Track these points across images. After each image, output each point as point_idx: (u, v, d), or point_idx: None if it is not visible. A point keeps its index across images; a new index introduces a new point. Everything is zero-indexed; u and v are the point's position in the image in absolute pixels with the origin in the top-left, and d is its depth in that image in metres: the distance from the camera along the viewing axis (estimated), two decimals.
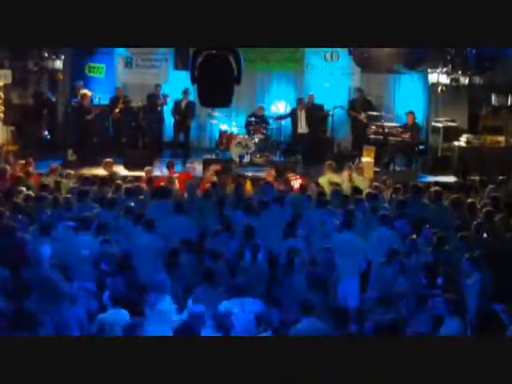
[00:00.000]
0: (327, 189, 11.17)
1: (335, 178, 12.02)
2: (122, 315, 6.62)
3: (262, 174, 13.34)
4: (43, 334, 6.23)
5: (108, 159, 12.97)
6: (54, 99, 15.57)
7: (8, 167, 11.89)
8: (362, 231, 9.02)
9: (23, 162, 12.33)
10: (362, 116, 15.45)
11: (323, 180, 11.89)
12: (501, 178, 11.91)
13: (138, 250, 8.33)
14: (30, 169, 12.04)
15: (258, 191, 11.49)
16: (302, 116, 15.45)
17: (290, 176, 12.77)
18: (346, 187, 11.48)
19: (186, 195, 11.04)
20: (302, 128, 15.46)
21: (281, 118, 15.75)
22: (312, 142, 15.46)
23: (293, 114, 15.61)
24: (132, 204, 9.71)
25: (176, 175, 12.46)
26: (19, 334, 5.94)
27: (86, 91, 15.14)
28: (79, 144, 15.02)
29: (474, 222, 8.98)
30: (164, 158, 15.27)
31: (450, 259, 8.10)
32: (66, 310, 6.68)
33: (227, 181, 11.93)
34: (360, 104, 15.67)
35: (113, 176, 11.95)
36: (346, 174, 12.25)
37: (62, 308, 6.67)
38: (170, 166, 12.72)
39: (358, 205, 9.87)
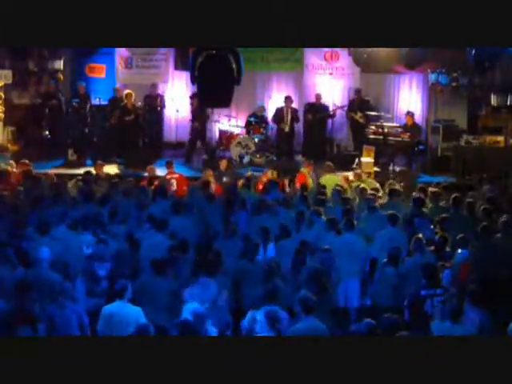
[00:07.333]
0: (329, 188, 11.25)
1: (336, 179, 12.11)
2: (128, 310, 6.63)
3: (261, 174, 13.35)
4: (43, 333, 6.23)
5: (100, 162, 12.95)
6: (62, 99, 15.52)
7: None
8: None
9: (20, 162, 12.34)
10: (358, 116, 15.44)
11: (325, 180, 11.97)
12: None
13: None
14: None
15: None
16: (288, 114, 15.33)
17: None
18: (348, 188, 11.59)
19: (188, 196, 11.07)
20: (288, 127, 15.33)
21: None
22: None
23: (279, 113, 15.42)
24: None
25: (175, 175, 12.45)
26: (19, 334, 5.94)
27: (129, 91, 15.10)
28: (122, 145, 14.93)
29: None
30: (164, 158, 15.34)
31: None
32: (66, 308, 6.68)
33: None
34: (357, 104, 15.66)
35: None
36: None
37: (62, 306, 6.67)
38: (168, 166, 12.65)
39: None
